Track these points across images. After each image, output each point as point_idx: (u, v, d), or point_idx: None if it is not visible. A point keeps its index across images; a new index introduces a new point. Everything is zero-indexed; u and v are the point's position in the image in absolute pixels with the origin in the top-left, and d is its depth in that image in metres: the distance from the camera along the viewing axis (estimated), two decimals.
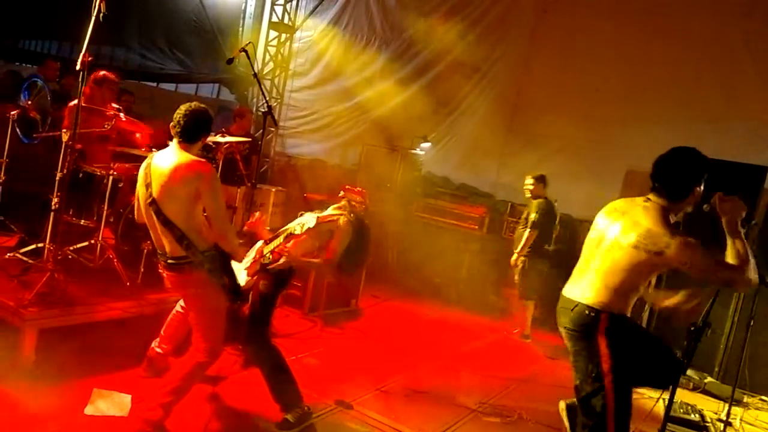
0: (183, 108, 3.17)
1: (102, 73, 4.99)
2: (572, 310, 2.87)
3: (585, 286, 2.89)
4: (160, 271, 3.29)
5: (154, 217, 3.12)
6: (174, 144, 3.18)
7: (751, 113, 6.94)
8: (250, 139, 5.92)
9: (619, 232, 2.84)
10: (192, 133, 3.17)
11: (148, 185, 3.14)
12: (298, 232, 3.50)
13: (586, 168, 7.68)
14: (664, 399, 5.15)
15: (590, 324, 2.82)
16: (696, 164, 2.87)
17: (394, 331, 6.04)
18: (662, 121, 7.31)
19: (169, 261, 3.15)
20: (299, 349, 4.89)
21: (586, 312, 2.82)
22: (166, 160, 3.13)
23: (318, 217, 3.60)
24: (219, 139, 5.26)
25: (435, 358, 5.35)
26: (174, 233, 3.06)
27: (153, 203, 3.10)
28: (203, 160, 3.18)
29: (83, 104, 4.68)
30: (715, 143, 6.59)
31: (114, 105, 4.83)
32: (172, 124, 3.17)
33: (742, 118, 6.97)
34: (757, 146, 6.66)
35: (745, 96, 7.03)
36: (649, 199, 2.89)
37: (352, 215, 3.77)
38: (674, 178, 2.86)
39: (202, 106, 3.22)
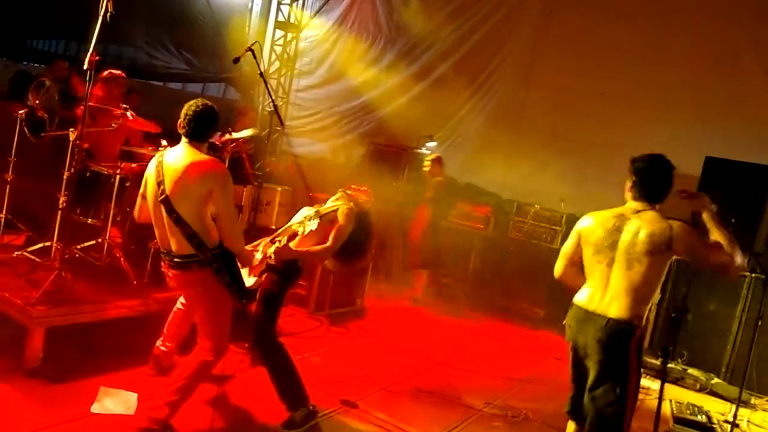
0: (191, 106, 3.17)
1: (108, 71, 5.03)
2: (606, 325, 2.98)
3: (612, 302, 3.00)
4: (164, 269, 3.30)
5: (165, 215, 3.12)
6: (184, 142, 3.19)
7: (758, 114, 6.91)
8: (256, 132, 5.86)
9: (629, 250, 2.98)
10: (201, 131, 3.18)
11: (160, 183, 3.13)
12: (301, 233, 3.49)
13: (592, 168, 7.65)
14: (670, 400, 5.14)
15: (626, 336, 2.97)
16: (672, 171, 3.09)
17: (400, 330, 6.04)
18: (668, 122, 7.29)
19: (176, 260, 3.16)
20: (304, 348, 4.90)
21: (623, 327, 2.96)
22: (179, 158, 3.13)
23: (318, 212, 3.59)
24: (227, 136, 5.28)
25: (440, 358, 5.35)
26: (184, 231, 3.07)
27: (165, 201, 3.10)
28: (217, 159, 3.20)
29: (93, 104, 4.74)
30: (722, 144, 6.58)
31: (122, 105, 4.84)
32: (180, 122, 3.18)
33: (748, 119, 6.94)
34: (764, 147, 6.62)
35: (751, 97, 6.99)
36: (638, 210, 3.06)
37: (352, 203, 3.75)
38: (661, 187, 3.09)
39: (208, 103, 3.22)
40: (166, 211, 3.10)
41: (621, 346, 2.98)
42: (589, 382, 3.08)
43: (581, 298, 3.16)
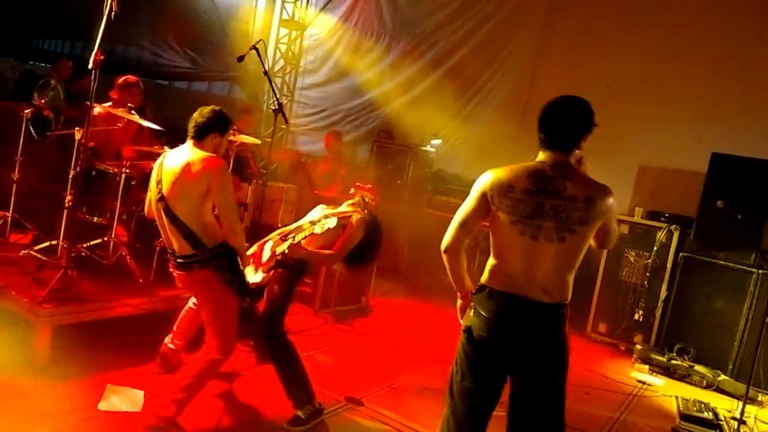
0: (202, 110, 3.27)
1: (124, 78, 5.14)
2: (544, 314, 2.47)
3: (547, 285, 2.45)
4: (170, 270, 3.32)
5: (163, 215, 3.15)
6: (187, 143, 3.23)
7: (765, 110, 6.86)
8: (259, 142, 5.88)
9: (561, 218, 2.41)
10: (203, 130, 3.22)
11: (158, 183, 3.19)
12: (318, 232, 3.50)
13: (598, 165, 7.58)
14: (677, 396, 5.13)
15: (561, 320, 2.51)
16: (588, 113, 2.57)
17: (405, 328, 6.04)
18: (674, 118, 7.25)
19: (179, 260, 3.19)
20: (310, 346, 4.91)
21: (560, 311, 2.48)
22: (177, 158, 3.17)
23: (335, 213, 3.63)
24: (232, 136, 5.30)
25: (446, 356, 5.33)
26: (182, 231, 3.10)
27: (162, 200, 3.14)
28: (214, 155, 3.21)
29: (104, 105, 4.79)
30: (729, 139, 6.53)
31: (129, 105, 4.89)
32: (189, 124, 3.24)
33: (756, 114, 6.89)
34: None
35: (759, 92, 6.94)
36: (557, 165, 2.48)
37: (365, 212, 3.78)
38: (575, 130, 2.53)
39: (214, 107, 3.30)
40: (163, 211, 3.13)
41: (558, 331, 2.51)
42: (521, 380, 2.57)
43: (498, 280, 2.54)
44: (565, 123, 2.54)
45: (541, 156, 2.55)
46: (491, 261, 2.62)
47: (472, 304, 2.64)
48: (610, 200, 2.47)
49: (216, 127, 3.28)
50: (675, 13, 7.53)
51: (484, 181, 2.56)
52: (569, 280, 2.51)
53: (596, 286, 6.61)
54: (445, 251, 2.67)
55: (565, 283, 2.49)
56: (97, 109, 4.69)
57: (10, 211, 4.86)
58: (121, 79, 5.11)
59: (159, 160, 3.30)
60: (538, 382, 2.55)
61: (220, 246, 3.16)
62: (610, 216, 2.50)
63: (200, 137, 3.23)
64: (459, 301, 2.78)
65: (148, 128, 5.13)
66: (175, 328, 3.91)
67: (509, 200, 2.47)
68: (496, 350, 2.54)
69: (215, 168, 3.12)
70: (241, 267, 3.32)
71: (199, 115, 3.24)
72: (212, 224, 3.18)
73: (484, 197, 2.54)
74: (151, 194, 3.28)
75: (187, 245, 3.12)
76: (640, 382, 5.59)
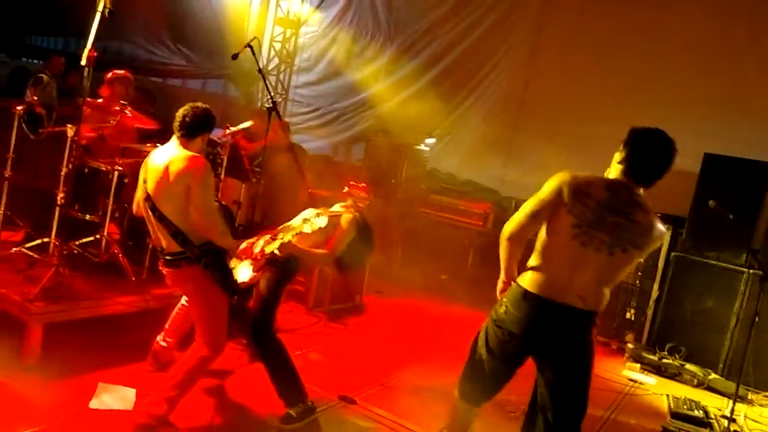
0: (188, 107, 3.24)
1: (112, 72, 5.10)
2: (577, 319, 2.58)
3: (583, 293, 2.56)
4: (160, 268, 3.32)
5: (150, 214, 3.15)
6: (173, 140, 3.22)
7: (757, 110, 6.91)
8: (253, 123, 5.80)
9: (619, 235, 2.51)
10: (191, 128, 3.20)
11: (144, 181, 3.20)
12: (308, 231, 3.49)
13: (591, 163, 7.60)
14: (668, 395, 5.16)
15: (590, 326, 2.65)
16: (673, 155, 2.62)
17: (398, 327, 6.05)
18: (667, 118, 7.23)
19: (167, 258, 3.19)
20: (303, 344, 4.91)
21: (592, 318, 2.61)
22: (162, 156, 3.17)
23: (328, 216, 3.62)
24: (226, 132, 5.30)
25: (439, 354, 5.36)
26: (169, 229, 3.09)
27: (148, 199, 3.14)
28: (198, 154, 3.19)
29: (97, 102, 4.77)
30: (722, 140, 6.58)
31: (123, 102, 4.86)
32: (174, 122, 3.22)
33: (748, 114, 6.95)
34: (762, 144, 6.62)
35: (750, 92, 7.00)
36: (631, 189, 2.58)
37: (357, 214, 3.79)
38: (658, 169, 2.59)
39: (205, 106, 3.28)
40: (150, 209, 3.13)
41: (589, 335, 2.63)
42: (548, 378, 2.75)
43: (536, 282, 2.60)
44: (656, 163, 2.59)
45: (618, 176, 2.63)
46: (533, 261, 2.67)
47: (503, 300, 2.73)
48: (664, 234, 2.63)
49: (208, 126, 3.28)
50: (667, 15, 7.58)
51: (564, 178, 2.59)
52: (606, 292, 2.61)
53: None
54: (508, 239, 2.68)
55: (601, 293, 2.59)
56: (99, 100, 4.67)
57: (2, 208, 4.83)
58: (110, 74, 5.05)
59: (146, 158, 3.30)
60: (564, 383, 2.71)
61: (208, 243, 3.16)
62: (655, 247, 2.67)
63: (192, 136, 3.22)
64: (500, 284, 2.85)
65: (146, 126, 5.12)
66: (167, 325, 3.90)
67: (582, 204, 2.53)
68: (524, 345, 2.71)
69: (197, 167, 3.10)
70: (235, 263, 3.32)
71: (192, 113, 3.20)
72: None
73: (560, 193, 2.56)
74: (139, 193, 3.28)
75: (174, 243, 3.12)
76: (631, 380, 5.62)
